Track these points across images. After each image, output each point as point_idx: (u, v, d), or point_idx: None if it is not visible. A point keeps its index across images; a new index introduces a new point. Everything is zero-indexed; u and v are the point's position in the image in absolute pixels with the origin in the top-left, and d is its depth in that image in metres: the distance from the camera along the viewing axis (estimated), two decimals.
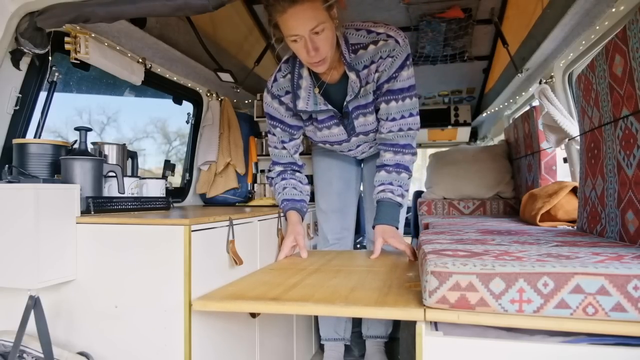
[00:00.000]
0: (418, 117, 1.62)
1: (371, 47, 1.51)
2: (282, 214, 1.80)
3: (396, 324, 2.19)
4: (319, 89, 1.60)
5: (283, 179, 1.80)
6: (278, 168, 1.82)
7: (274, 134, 1.76)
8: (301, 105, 1.61)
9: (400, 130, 1.59)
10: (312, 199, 2.76)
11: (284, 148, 1.78)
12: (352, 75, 1.53)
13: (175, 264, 1.17)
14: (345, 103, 1.59)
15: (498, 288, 0.83)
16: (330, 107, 1.61)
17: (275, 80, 1.64)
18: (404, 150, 1.61)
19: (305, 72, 1.58)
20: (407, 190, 1.64)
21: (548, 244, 1.15)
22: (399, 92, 1.56)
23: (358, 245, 2.21)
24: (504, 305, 0.82)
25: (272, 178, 1.85)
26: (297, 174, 1.84)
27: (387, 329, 2.11)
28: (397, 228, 1.64)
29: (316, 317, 2.34)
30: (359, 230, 2.15)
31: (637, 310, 0.77)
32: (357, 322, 2.24)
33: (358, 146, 1.83)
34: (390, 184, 1.60)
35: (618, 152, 1.27)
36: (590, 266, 0.81)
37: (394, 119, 1.59)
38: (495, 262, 0.86)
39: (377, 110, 1.66)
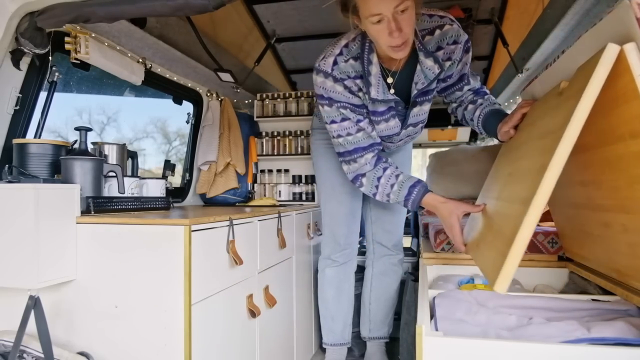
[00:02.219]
0: None
1: (437, 31, 1.44)
2: (414, 206, 1.49)
3: (396, 324, 2.19)
4: (392, 78, 1.50)
5: (384, 168, 1.53)
6: (369, 155, 1.53)
7: (344, 119, 1.51)
8: (374, 93, 1.47)
9: (471, 76, 1.61)
10: (313, 199, 2.77)
11: (360, 129, 1.53)
12: (428, 62, 1.44)
13: (176, 264, 1.17)
14: (415, 92, 1.51)
15: None
16: (396, 97, 1.51)
17: (335, 63, 1.47)
18: (481, 87, 1.63)
19: (374, 58, 1.45)
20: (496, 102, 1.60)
21: None
22: (466, 76, 1.59)
23: (358, 245, 2.20)
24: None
25: (367, 171, 1.54)
26: (384, 159, 1.58)
27: (389, 329, 2.11)
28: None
29: (317, 318, 2.34)
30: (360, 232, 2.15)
31: None
32: (355, 322, 2.24)
33: (401, 139, 1.73)
34: (481, 104, 1.57)
35: None
36: None
37: (471, 86, 1.62)
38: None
39: (451, 95, 1.63)
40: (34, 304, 1.12)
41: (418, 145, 4.78)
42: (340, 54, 1.47)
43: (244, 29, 2.73)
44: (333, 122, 1.53)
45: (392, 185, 1.50)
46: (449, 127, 4.00)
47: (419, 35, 1.42)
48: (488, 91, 1.64)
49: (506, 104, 3.14)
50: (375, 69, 1.46)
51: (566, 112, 0.83)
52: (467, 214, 1.43)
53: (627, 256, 0.96)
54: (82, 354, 1.20)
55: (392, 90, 1.51)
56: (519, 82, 2.55)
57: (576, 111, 0.78)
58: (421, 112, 1.62)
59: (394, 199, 1.51)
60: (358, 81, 1.49)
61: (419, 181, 1.49)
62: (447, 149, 3.28)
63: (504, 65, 2.77)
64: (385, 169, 1.52)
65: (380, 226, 2.05)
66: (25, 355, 1.15)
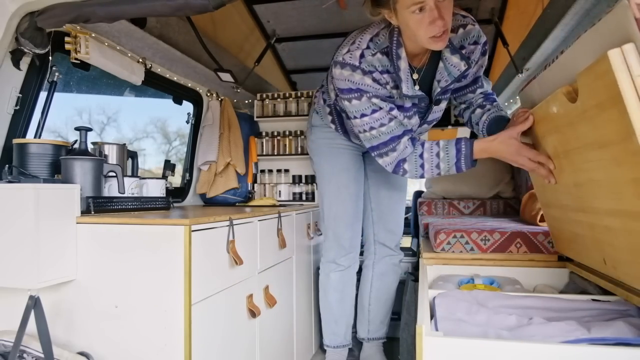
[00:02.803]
0: None
1: (460, 30, 1.43)
2: (468, 163, 1.41)
3: (396, 324, 2.19)
4: (418, 74, 1.48)
5: (422, 144, 1.48)
6: (405, 138, 1.48)
7: (374, 110, 1.45)
8: (405, 89, 1.44)
9: (484, 80, 1.64)
10: (313, 199, 2.77)
11: (392, 118, 1.47)
12: (454, 58, 1.43)
13: (176, 264, 1.17)
14: (438, 90, 1.50)
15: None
16: (423, 93, 1.49)
17: (363, 56, 1.42)
18: (491, 93, 1.65)
19: (403, 54, 1.41)
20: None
21: None
22: (480, 78, 1.60)
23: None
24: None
25: (408, 154, 1.49)
26: (416, 136, 1.57)
27: (387, 329, 2.11)
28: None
29: (317, 318, 2.34)
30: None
31: None
32: (356, 323, 2.25)
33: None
34: (489, 109, 1.57)
35: None
36: None
37: (484, 90, 1.64)
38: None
39: (463, 96, 1.64)
40: (34, 304, 1.12)
41: None
42: (368, 47, 1.43)
43: (244, 29, 2.73)
44: (363, 115, 1.46)
45: (437, 155, 1.44)
46: (449, 127, 4.00)
47: None
48: (496, 97, 1.64)
49: (506, 104, 3.14)
50: (404, 64, 1.42)
51: (614, 124, 0.81)
52: (522, 135, 1.33)
53: (616, 252, 0.96)
54: (82, 354, 1.20)
55: (417, 87, 1.49)
56: (519, 82, 2.55)
57: (634, 122, 0.76)
58: (439, 109, 1.61)
59: (445, 166, 1.44)
60: (385, 75, 1.46)
61: (460, 139, 1.43)
62: None
63: (504, 65, 2.77)
64: (422, 144, 1.47)
65: (382, 227, 2.04)
66: (25, 355, 1.15)
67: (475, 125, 1.59)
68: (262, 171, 2.94)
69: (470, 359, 0.83)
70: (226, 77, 2.35)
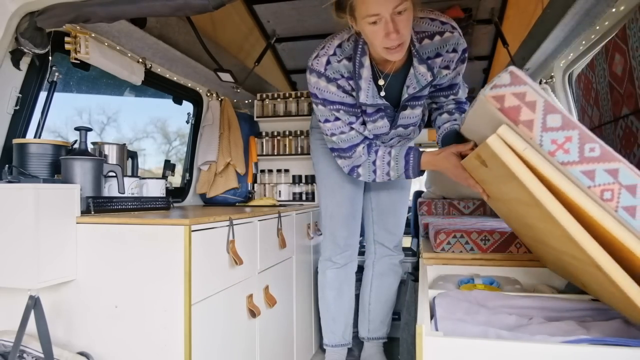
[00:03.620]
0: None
1: (437, 37, 1.41)
2: (415, 172, 1.53)
3: (396, 324, 2.19)
4: (384, 81, 1.48)
5: (376, 151, 1.57)
6: (360, 147, 1.58)
7: (337, 118, 1.54)
8: (363, 97, 1.47)
9: (460, 88, 1.64)
10: (313, 199, 2.77)
11: (352, 129, 1.56)
12: (421, 68, 1.43)
13: (176, 264, 1.17)
14: (405, 96, 1.49)
15: (553, 122, 0.79)
16: (385, 102, 1.51)
17: (328, 62, 1.46)
18: (465, 103, 1.66)
19: (366, 61, 1.44)
20: None
21: None
22: (457, 86, 1.60)
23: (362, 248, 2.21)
24: (544, 140, 0.80)
25: (362, 162, 1.59)
26: (373, 142, 1.64)
27: (387, 329, 2.11)
28: None
29: (317, 318, 2.34)
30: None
31: None
32: (356, 323, 2.24)
33: (391, 139, 1.73)
34: (455, 120, 1.61)
35: (618, 151, 1.27)
36: (635, 169, 0.79)
37: (457, 97, 1.65)
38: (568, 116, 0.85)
39: (436, 99, 1.64)
40: (34, 304, 1.12)
41: (418, 145, 4.78)
42: (334, 54, 1.46)
43: (244, 29, 2.73)
44: (327, 120, 1.56)
45: (388, 163, 1.54)
46: None
47: (414, 39, 1.40)
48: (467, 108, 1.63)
49: None
50: (366, 72, 1.45)
51: (524, 190, 0.84)
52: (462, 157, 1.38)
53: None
54: (82, 354, 1.20)
55: (382, 93, 1.50)
56: None
57: (535, 194, 0.80)
58: (412, 115, 1.61)
59: (395, 174, 1.55)
60: (351, 82, 1.48)
61: (411, 147, 1.53)
62: None
63: (503, 65, 2.77)
64: (377, 152, 1.57)
65: (382, 227, 2.04)
66: (25, 355, 1.15)
67: (437, 129, 1.63)
68: (262, 171, 2.94)
69: (470, 359, 0.83)
70: (226, 77, 2.35)
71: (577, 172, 0.79)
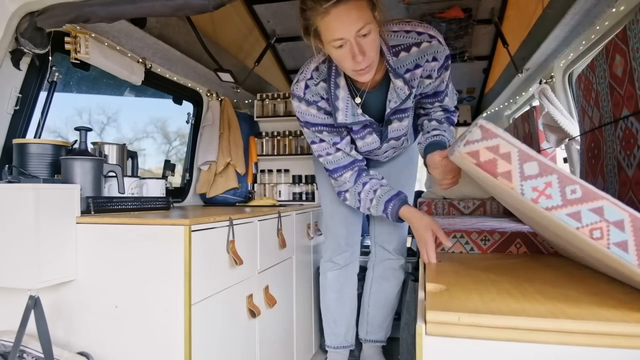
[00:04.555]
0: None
1: (414, 49, 1.40)
2: (392, 217, 1.53)
3: (396, 324, 2.18)
4: (360, 99, 1.49)
5: (364, 183, 1.58)
6: (348, 174, 1.60)
7: (322, 140, 1.57)
8: (341, 118, 1.48)
9: (447, 96, 1.62)
10: (313, 199, 2.77)
11: (338, 149, 1.59)
12: (398, 82, 1.43)
13: (176, 264, 1.17)
14: (388, 110, 1.50)
15: (530, 171, 0.81)
16: (368, 118, 1.51)
17: (307, 87, 1.49)
18: (454, 114, 1.65)
19: (342, 82, 1.46)
20: (452, 137, 1.63)
21: None
22: (446, 87, 1.57)
23: (366, 248, 2.20)
24: (525, 189, 0.82)
25: (349, 188, 1.62)
26: (369, 171, 1.65)
27: (386, 333, 2.10)
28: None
29: (317, 318, 2.33)
30: (363, 231, 2.14)
31: (637, 257, 0.77)
32: (357, 323, 2.24)
33: (386, 152, 1.75)
34: (444, 131, 1.60)
35: (618, 152, 1.27)
36: (620, 203, 0.81)
37: (443, 104, 1.63)
38: (539, 156, 0.85)
39: (422, 107, 1.63)
40: (34, 304, 1.12)
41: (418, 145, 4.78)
42: (311, 77, 1.48)
43: (244, 29, 2.73)
44: (313, 142, 1.59)
45: (371, 200, 1.56)
46: None
47: (387, 54, 1.39)
48: (456, 119, 1.64)
49: (506, 103, 3.14)
50: (342, 93, 1.46)
51: None
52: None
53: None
54: (82, 354, 1.20)
55: (359, 110, 1.49)
56: (518, 82, 2.55)
57: None
58: (401, 127, 1.60)
59: (375, 212, 1.58)
60: (325, 102, 1.50)
61: (397, 194, 1.52)
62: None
63: (504, 65, 2.77)
64: (364, 184, 1.58)
65: (382, 229, 2.03)
66: (25, 355, 1.15)
67: (426, 133, 1.61)
68: (262, 171, 2.94)
69: (470, 359, 0.83)
70: (226, 77, 2.35)
71: (563, 215, 0.81)
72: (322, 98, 1.50)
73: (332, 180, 1.67)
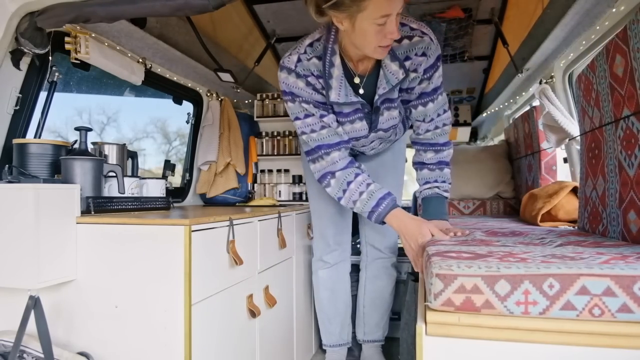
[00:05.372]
0: (449, 112, 1.61)
1: (405, 41, 1.42)
2: (377, 219, 1.47)
3: (396, 324, 2.18)
4: (360, 79, 1.50)
5: (357, 174, 1.50)
6: (336, 154, 1.51)
7: (307, 115, 1.50)
8: (333, 96, 1.46)
9: (437, 128, 1.59)
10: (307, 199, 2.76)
11: (324, 126, 1.51)
12: (393, 66, 1.43)
13: (176, 264, 1.16)
14: (377, 97, 1.50)
15: (503, 290, 0.82)
16: (361, 99, 1.50)
17: (299, 60, 1.47)
18: (444, 148, 1.61)
19: (337, 60, 1.44)
20: (450, 183, 1.62)
21: (552, 244, 1.15)
22: (433, 92, 1.54)
23: (358, 246, 2.19)
24: (510, 308, 0.82)
25: (336, 170, 1.51)
26: (357, 164, 1.57)
27: (383, 332, 2.10)
28: (447, 220, 1.60)
29: (316, 318, 2.33)
30: (356, 231, 2.13)
31: None
32: (353, 322, 2.24)
33: (372, 142, 1.73)
34: (436, 181, 1.60)
35: (619, 152, 1.27)
36: (596, 267, 0.81)
37: (431, 120, 1.58)
38: (500, 264, 0.86)
39: (408, 111, 1.63)
40: (34, 304, 1.12)
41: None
42: (304, 52, 1.47)
43: (244, 29, 2.73)
44: (297, 118, 1.51)
45: (361, 193, 1.47)
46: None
47: None
48: (449, 154, 1.62)
49: (506, 103, 3.14)
50: (337, 72, 1.45)
51: None
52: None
53: None
54: (82, 354, 1.20)
55: (361, 91, 1.50)
56: (519, 82, 2.55)
57: None
58: (390, 116, 1.60)
59: (360, 207, 1.48)
60: (321, 80, 1.48)
61: (389, 194, 1.47)
62: None
63: (504, 65, 2.77)
64: (357, 175, 1.49)
65: (372, 228, 2.02)
66: (25, 355, 1.15)
67: (418, 180, 1.64)
68: (262, 171, 2.94)
69: (470, 359, 0.83)
70: (226, 77, 2.35)
71: (557, 311, 0.81)
72: (312, 74, 1.47)
73: (313, 164, 1.55)
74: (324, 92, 1.49)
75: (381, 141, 1.77)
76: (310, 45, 1.47)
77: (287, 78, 1.47)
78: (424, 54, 1.44)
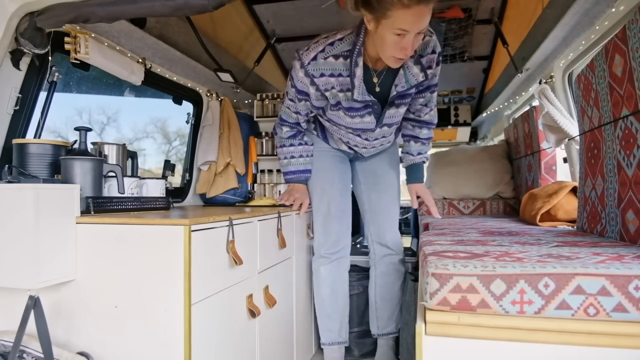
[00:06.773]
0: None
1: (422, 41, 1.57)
2: (286, 179, 2.03)
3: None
4: (378, 78, 1.64)
5: (292, 145, 1.94)
6: (286, 128, 1.92)
7: (295, 103, 1.78)
8: (356, 94, 1.62)
9: (432, 110, 1.88)
10: None
11: (298, 114, 1.83)
12: (415, 69, 1.60)
13: (175, 264, 1.17)
14: (394, 94, 1.65)
15: (499, 290, 0.82)
16: (373, 98, 1.65)
17: (314, 59, 1.60)
18: (432, 127, 1.95)
19: (361, 62, 1.57)
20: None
21: (549, 244, 1.15)
22: (435, 86, 1.77)
23: (358, 246, 2.20)
24: (505, 307, 0.82)
25: (282, 139, 1.96)
26: (304, 137, 1.98)
27: (396, 324, 2.12)
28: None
29: (316, 318, 2.33)
30: (358, 230, 2.14)
31: (639, 310, 0.77)
32: (355, 323, 2.24)
33: (376, 139, 1.90)
34: (423, 153, 2.00)
35: (618, 152, 1.27)
36: (591, 267, 0.81)
37: (431, 108, 1.88)
38: (496, 264, 0.86)
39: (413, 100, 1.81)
40: (34, 304, 1.12)
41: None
42: (323, 50, 1.59)
43: (244, 29, 2.73)
44: (291, 100, 1.79)
45: (285, 158, 1.98)
46: (449, 127, 4.01)
47: None
48: (431, 137, 1.97)
49: (506, 103, 3.14)
50: (359, 72, 1.58)
51: None
52: None
53: None
54: (82, 354, 1.20)
55: (377, 89, 1.65)
56: (518, 82, 2.55)
57: None
58: (397, 114, 1.76)
59: (284, 160, 1.99)
60: (332, 79, 1.61)
61: (304, 171, 1.99)
62: (447, 149, 3.28)
63: (503, 65, 2.77)
64: (292, 145, 1.96)
65: (377, 226, 2.08)
66: (25, 355, 1.15)
67: (406, 152, 2.01)
68: (262, 171, 2.94)
69: (469, 359, 0.83)
70: (226, 77, 2.35)
71: (552, 311, 0.81)
72: (323, 75, 1.62)
73: (281, 127, 1.93)
74: (327, 94, 1.66)
75: (381, 141, 1.92)
76: (331, 44, 1.60)
77: (298, 71, 1.65)
78: (433, 51, 1.62)
